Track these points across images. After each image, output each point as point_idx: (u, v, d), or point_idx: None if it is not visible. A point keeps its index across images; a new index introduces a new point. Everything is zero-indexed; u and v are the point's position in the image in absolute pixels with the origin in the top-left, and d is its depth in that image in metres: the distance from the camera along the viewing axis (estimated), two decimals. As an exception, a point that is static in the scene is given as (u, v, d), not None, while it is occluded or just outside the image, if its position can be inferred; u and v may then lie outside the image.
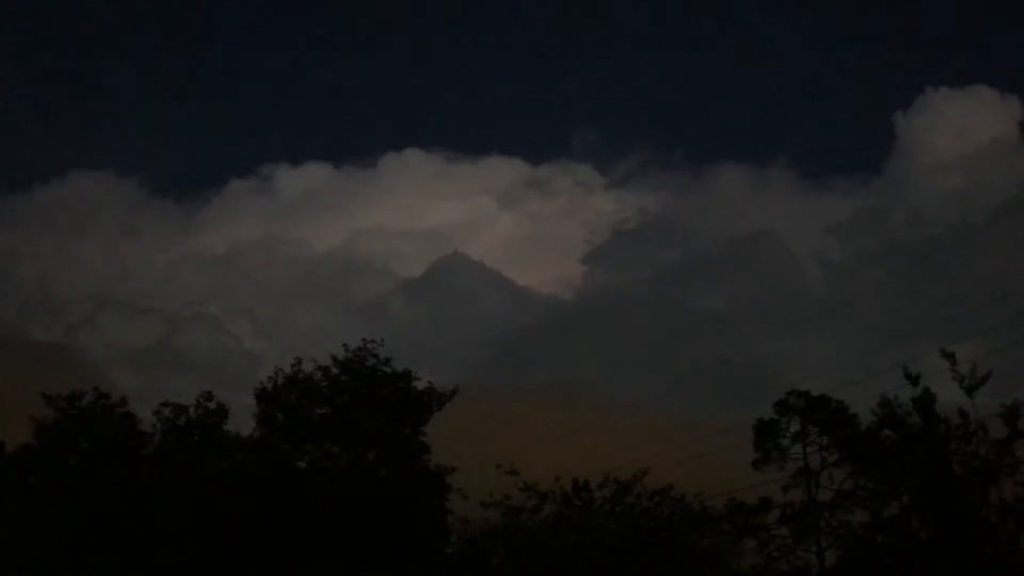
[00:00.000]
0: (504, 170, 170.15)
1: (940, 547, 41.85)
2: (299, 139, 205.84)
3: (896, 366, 43.91)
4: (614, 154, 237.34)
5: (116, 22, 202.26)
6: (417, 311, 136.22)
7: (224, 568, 41.91)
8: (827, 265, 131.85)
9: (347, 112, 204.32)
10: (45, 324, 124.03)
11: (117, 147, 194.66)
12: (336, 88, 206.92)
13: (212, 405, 47.48)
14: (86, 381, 48.96)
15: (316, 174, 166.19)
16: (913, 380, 43.34)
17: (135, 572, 41.43)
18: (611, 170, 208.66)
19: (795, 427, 47.00)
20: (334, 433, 46.55)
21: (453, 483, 46.38)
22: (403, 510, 44.32)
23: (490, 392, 76.62)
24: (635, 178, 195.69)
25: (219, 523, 42.50)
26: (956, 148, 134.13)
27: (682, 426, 57.12)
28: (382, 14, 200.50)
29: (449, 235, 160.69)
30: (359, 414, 46.48)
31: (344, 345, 47.42)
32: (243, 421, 47.87)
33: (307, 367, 47.10)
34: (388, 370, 47.20)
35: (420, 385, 47.43)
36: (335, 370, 46.93)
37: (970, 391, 41.92)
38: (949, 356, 41.99)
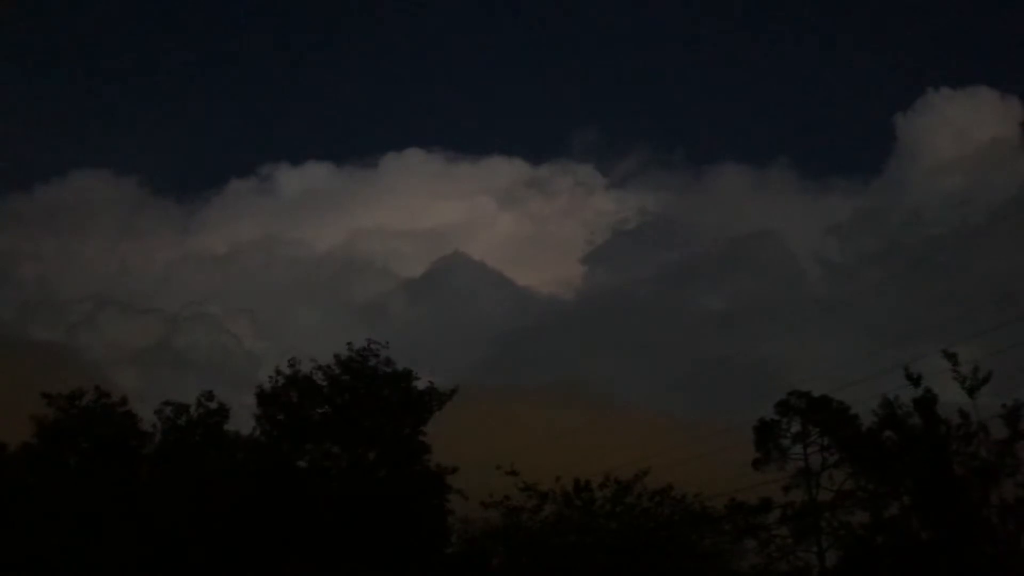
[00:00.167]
0: (505, 170, 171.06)
1: (940, 548, 41.86)
2: (299, 139, 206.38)
3: (896, 367, 44.12)
4: (614, 154, 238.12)
5: (116, 22, 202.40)
6: (417, 311, 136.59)
7: (224, 568, 41.88)
8: (827, 265, 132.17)
9: (348, 112, 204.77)
10: (45, 324, 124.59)
11: (117, 147, 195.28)
12: (337, 88, 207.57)
13: (213, 405, 47.50)
14: (86, 381, 48.97)
15: (317, 174, 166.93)
16: (915, 381, 43.37)
17: (135, 572, 41.40)
18: (611, 170, 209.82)
19: (796, 427, 47.05)
20: (334, 433, 46.47)
21: (453, 483, 46.28)
22: (403, 510, 44.27)
23: (490, 392, 76.70)
24: (635, 178, 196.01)
25: (219, 522, 42.47)
26: (957, 149, 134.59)
27: (682, 426, 57.16)
28: (383, 14, 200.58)
29: (449, 235, 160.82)
30: (359, 414, 46.41)
31: (348, 344, 47.44)
32: (243, 421, 47.96)
33: (305, 367, 47.10)
34: (389, 370, 47.19)
35: (421, 385, 47.41)
36: (336, 369, 46.89)
37: (972, 392, 41.95)
38: (951, 357, 42.03)
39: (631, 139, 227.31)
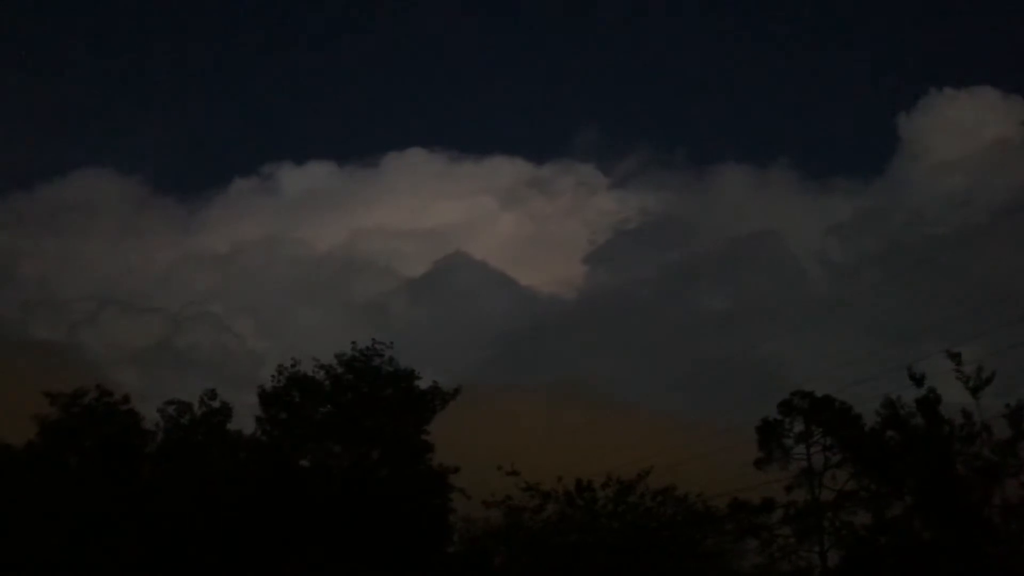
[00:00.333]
0: (506, 170, 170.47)
1: (943, 548, 41.80)
2: (302, 138, 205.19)
3: (898, 367, 44.06)
4: (616, 154, 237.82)
5: (117, 21, 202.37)
6: (419, 311, 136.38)
7: (226, 566, 41.89)
8: (829, 265, 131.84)
9: (350, 111, 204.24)
10: (47, 323, 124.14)
11: (119, 146, 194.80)
12: (339, 87, 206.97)
13: (216, 404, 47.57)
14: (88, 380, 48.91)
15: (319, 173, 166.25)
16: (918, 381, 43.35)
17: (136, 571, 41.40)
18: (613, 170, 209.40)
19: (799, 427, 46.99)
20: (337, 432, 46.51)
21: (455, 482, 46.35)
22: (405, 509, 44.29)
23: (492, 392, 76.55)
24: (637, 178, 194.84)
25: (221, 522, 42.47)
26: (959, 149, 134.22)
27: (684, 426, 57.03)
28: (384, 13, 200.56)
29: (451, 235, 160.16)
30: (362, 413, 46.45)
31: (353, 343, 47.45)
32: (245, 420, 47.97)
33: (305, 367, 47.13)
34: (391, 369, 47.18)
35: (423, 384, 47.45)
36: (339, 369, 46.89)
37: (975, 392, 41.92)
38: (955, 357, 41.99)
39: (632, 139, 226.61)
